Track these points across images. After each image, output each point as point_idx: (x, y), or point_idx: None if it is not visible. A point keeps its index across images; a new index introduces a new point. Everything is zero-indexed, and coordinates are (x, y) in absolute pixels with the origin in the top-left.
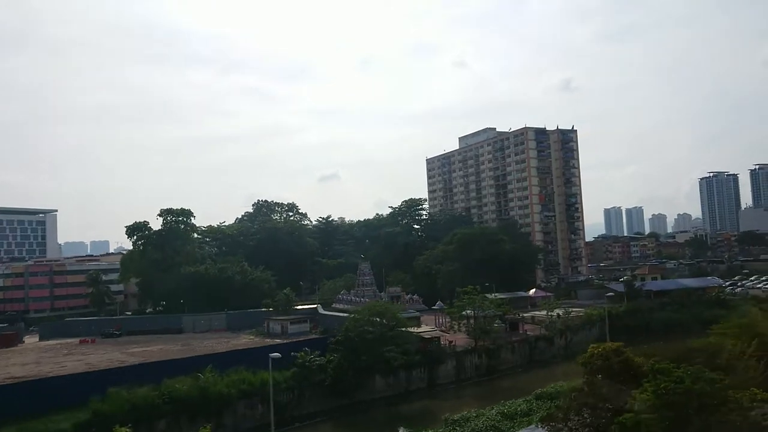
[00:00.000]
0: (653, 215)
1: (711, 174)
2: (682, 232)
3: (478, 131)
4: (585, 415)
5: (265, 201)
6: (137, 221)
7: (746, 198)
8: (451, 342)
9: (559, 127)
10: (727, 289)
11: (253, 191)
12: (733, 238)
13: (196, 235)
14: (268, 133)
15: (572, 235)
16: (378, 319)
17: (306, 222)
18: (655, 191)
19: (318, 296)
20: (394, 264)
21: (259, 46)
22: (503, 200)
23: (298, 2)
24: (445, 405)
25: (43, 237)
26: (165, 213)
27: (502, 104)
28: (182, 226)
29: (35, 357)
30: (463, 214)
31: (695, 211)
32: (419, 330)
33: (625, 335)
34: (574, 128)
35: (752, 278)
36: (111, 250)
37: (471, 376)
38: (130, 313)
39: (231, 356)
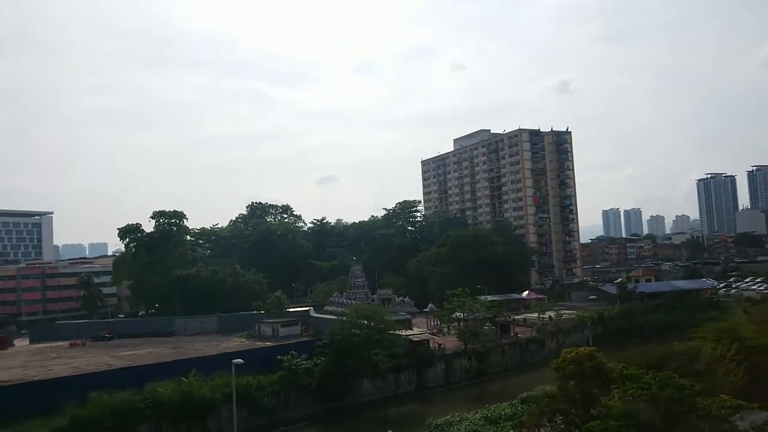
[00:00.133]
0: (651, 217)
1: (709, 176)
2: (679, 233)
3: (473, 133)
4: (557, 421)
5: (259, 203)
6: (129, 223)
7: (744, 200)
8: (440, 345)
9: (554, 129)
10: (721, 291)
11: (252, 193)
12: (729, 240)
13: (188, 238)
14: (267, 135)
15: (567, 237)
16: (365, 322)
17: (300, 224)
18: (653, 193)
19: (310, 299)
20: (388, 266)
21: (258, 49)
22: (498, 202)
23: (297, 5)
24: (434, 408)
25: (39, 239)
26: (157, 215)
27: (502, 106)
28: (175, 229)
29: (23, 360)
30: (458, 216)
31: (693, 212)
32: (408, 333)
33: (618, 337)
34: (569, 130)
35: (747, 280)
36: (109, 252)
37: (461, 379)
38: (122, 315)
39: (218, 360)
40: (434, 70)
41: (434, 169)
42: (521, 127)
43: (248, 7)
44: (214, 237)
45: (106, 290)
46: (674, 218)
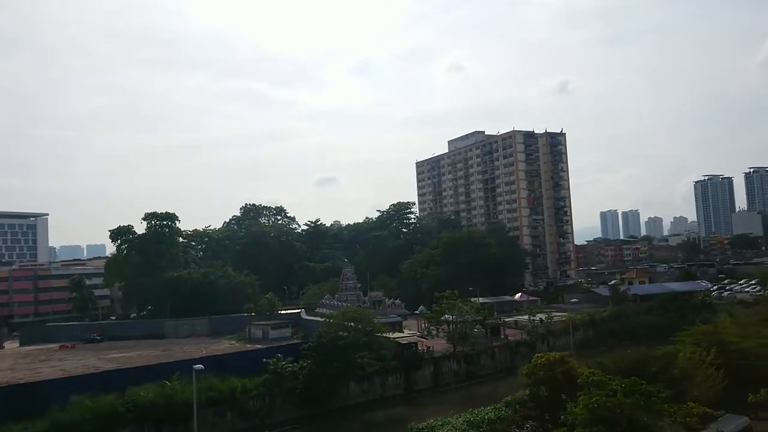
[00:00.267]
0: (649, 218)
1: (706, 177)
2: (675, 235)
3: (467, 134)
4: (527, 427)
5: (253, 204)
6: (121, 225)
7: (741, 201)
8: (429, 347)
9: (548, 131)
10: (714, 293)
11: (252, 194)
12: (725, 242)
13: (181, 240)
14: (267, 136)
15: (561, 239)
16: (352, 324)
17: (294, 226)
18: (651, 194)
19: (302, 300)
20: (382, 268)
21: (257, 50)
22: (492, 204)
23: (296, 6)
24: (422, 411)
25: (34, 241)
26: (149, 217)
27: (501, 107)
28: (167, 230)
29: (11, 363)
30: (453, 217)
31: (692, 214)
32: (396, 335)
33: (610, 340)
34: (563, 131)
35: (741, 282)
36: (108, 254)
37: (449, 382)
38: (114, 318)
39: (204, 362)
40: (434, 71)
41: (429, 171)
42: (516, 129)
43: (248, 7)
44: (207, 239)
45: (99, 292)
46: (672, 220)
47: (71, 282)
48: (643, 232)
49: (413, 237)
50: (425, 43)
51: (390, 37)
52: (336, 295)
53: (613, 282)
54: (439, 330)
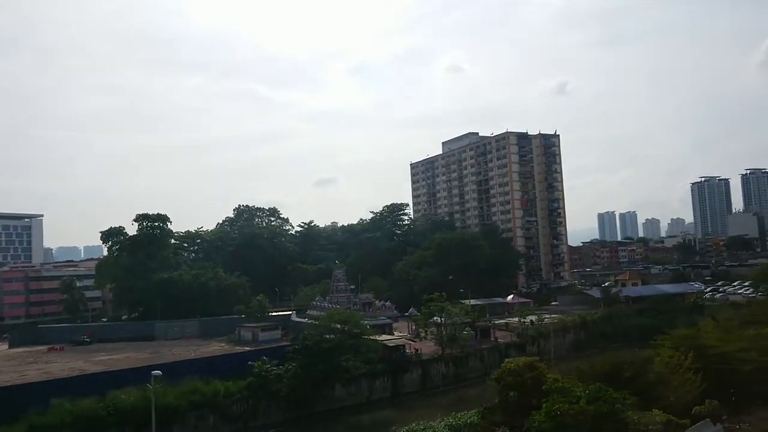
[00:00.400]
0: (647, 220)
1: (703, 179)
2: (671, 236)
3: (461, 136)
4: None
5: (246, 206)
6: (112, 226)
7: (738, 203)
8: (417, 350)
9: (542, 132)
10: (707, 295)
11: (251, 195)
12: (721, 243)
13: (173, 241)
14: (266, 136)
15: (555, 240)
16: (339, 326)
17: (287, 227)
18: (649, 196)
19: (293, 302)
20: (375, 270)
21: (257, 51)
22: (485, 205)
23: (296, 7)
24: (409, 414)
25: (29, 242)
26: (141, 218)
27: (500, 108)
28: (158, 232)
29: None
30: (446, 219)
31: (689, 215)
32: (385, 338)
33: (602, 342)
34: (557, 133)
35: (734, 284)
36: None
37: (437, 384)
38: (106, 319)
39: (192, 365)
40: (433, 72)
41: (423, 172)
42: (512, 130)
43: (248, 7)
44: (199, 240)
45: (91, 294)
46: (669, 221)
47: (62, 284)
48: (641, 234)
49: (406, 238)
50: (424, 44)
51: (389, 38)
52: (327, 297)
53: (605, 284)
54: (428, 332)
